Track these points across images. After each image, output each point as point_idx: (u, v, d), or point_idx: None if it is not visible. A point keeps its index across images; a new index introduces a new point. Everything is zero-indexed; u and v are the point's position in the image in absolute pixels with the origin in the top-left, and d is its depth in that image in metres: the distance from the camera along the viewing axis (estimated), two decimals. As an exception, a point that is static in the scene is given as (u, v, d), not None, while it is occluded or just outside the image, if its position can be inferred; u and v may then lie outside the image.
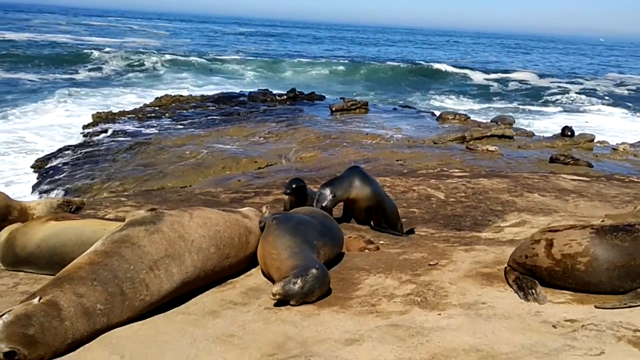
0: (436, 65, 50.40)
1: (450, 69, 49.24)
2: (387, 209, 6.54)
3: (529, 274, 3.91)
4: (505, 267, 4.15)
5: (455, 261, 4.58)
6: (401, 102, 31.25)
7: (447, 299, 3.81)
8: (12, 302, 3.84)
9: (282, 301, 3.76)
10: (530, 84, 44.11)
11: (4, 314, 3.01)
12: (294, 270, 3.82)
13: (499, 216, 7.92)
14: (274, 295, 3.71)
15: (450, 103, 34.95)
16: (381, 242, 5.69)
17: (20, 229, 4.51)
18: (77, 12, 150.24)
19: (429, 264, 4.50)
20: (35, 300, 3.14)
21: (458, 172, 11.51)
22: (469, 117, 20.75)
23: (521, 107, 34.38)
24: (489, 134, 16.78)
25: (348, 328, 3.47)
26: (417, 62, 54.57)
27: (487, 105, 34.90)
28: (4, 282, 4.26)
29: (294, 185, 6.11)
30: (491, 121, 20.42)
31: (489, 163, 13.45)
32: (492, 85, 42.84)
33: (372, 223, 6.47)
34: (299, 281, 3.75)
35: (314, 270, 3.81)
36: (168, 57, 45.44)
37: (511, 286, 3.92)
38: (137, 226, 3.74)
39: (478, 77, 46.54)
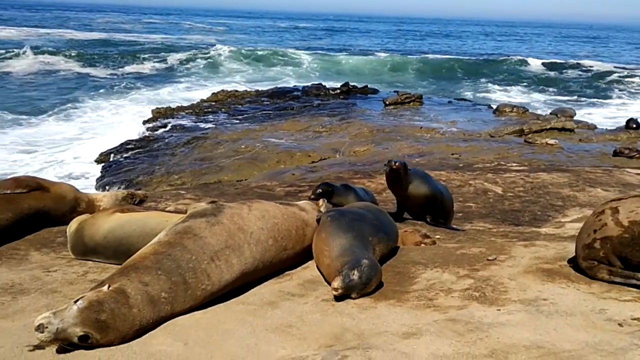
0: (493, 57, 49.24)
1: (508, 59, 47.98)
2: (444, 203, 6.47)
3: (602, 259, 3.82)
4: (581, 263, 4.00)
5: (515, 256, 4.49)
6: (456, 95, 30.75)
7: (507, 295, 3.75)
8: (82, 289, 4.03)
9: (343, 296, 3.79)
10: (592, 75, 42.41)
11: (77, 300, 3.17)
12: (346, 265, 3.85)
13: (560, 211, 7.70)
14: (335, 290, 3.75)
15: (508, 95, 34.08)
16: (437, 236, 5.64)
17: (88, 220, 4.72)
18: (138, 10, 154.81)
19: (488, 259, 4.43)
20: (105, 288, 3.29)
21: (516, 166, 11.24)
22: (528, 110, 20.22)
23: (583, 99, 33.16)
24: (548, 126, 16.31)
25: (405, 321, 3.47)
26: (474, 53, 53.45)
27: (546, 97, 33.86)
28: (74, 271, 4.48)
29: (318, 191, 6.10)
30: (551, 113, 19.84)
31: (549, 157, 13.08)
32: (552, 77, 41.46)
33: (427, 219, 6.42)
34: (355, 272, 3.78)
35: (365, 260, 3.83)
36: (225, 52, 46.20)
37: (612, 281, 3.81)
38: (199, 218, 3.86)
39: (538, 68, 45.16)
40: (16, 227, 5.06)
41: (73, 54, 41.26)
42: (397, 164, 6.08)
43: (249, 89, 25.51)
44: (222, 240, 3.78)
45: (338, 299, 3.79)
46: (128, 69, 37.38)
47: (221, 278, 3.72)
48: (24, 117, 22.54)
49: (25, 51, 39.62)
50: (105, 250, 4.53)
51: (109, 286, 3.31)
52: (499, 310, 3.54)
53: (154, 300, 3.41)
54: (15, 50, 40.61)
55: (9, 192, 5.12)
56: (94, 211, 5.33)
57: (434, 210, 6.38)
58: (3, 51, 39.95)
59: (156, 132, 17.65)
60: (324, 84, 25.33)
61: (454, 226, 6.53)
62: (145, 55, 43.05)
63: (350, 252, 3.94)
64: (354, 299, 3.79)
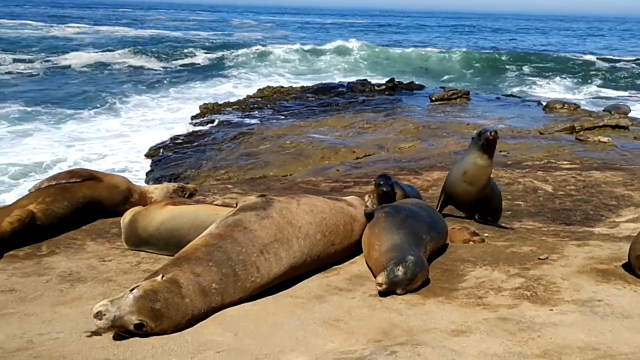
0: (543, 52, 47.93)
1: (560, 55, 46.60)
2: (494, 200, 6.36)
3: None
4: (636, 270, 3.86)
5: (567, 256, 4.38)
6: (504, 90, 30.12)
7: (559, 295, 3.67)
8: (136, 279, 4.16)
9: (387, 292, 3.78)
10: (648, 70, 40.75)
11: (133, 289, 3.27)
12: (392, 261, 3.84)
13: (614, 211, 7.46)
14: (380, 285, 3.75)
15: (557, 92, 33.15)
16: (485, 234, 5.56)
17: (141, 212, 4.85)
18: (187, 7, 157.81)
19: (539, 258, 4.34)
20: (159, 278, 3.38)
21: (567, 164, 10.94)
22: (579, 107, 19.61)
23: (638, 95, 31.94)
24: (601, 124, 15.78)
25: (454, 319, 3.44)
26: (524, 48, 52.21)
27: (599, 93, 32.76)
28: (128, 261, 4.62)
29: (390, 182, 5.83)
30: (604, 110, 19.20)
31: (601, 155, 12.66)
32: (605, 72, 40.06)
33: (476, 216, 6.33)
34: (400, 268, 3.77)
35: (410, 257, 3.82)
36: (271, 48, 46.57)
37: None
38: (249, 211, 3.92)
39: (591, 63, 43.67)
40: (72, 216, 5.24)
41: (126, 51, 42.44)
42: (493, 133, 5.87)
43: (294, 85, 25.63)
44: (272, 234, 3.83)
45: (382, 294, 3.79)
46: (178, 65, 38.08)
47: (270, 271, 3.77)
48: (78, 111, 23.30)
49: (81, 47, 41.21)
50: (158, 242, 4.65)
51: (163, 276, 3.40)
52: (552, 310, 3.47)
53: (205, 291, 3.49)
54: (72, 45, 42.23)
55: (63, 181, 5.31)
56: (146, 203, 5.48)
57: (484, 208, 6.28)
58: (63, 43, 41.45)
59: (204, 128, 17.95)
60: (369, 79, 25.22)
61: (503, 224, 6.41)
62: (195, 52, 43.77)
63: (398, 248, 3.93)
64: (399, 294, 3.78)
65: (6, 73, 32.66)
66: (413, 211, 4.40)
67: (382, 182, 5.34)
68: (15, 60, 36.20)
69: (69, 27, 64.13)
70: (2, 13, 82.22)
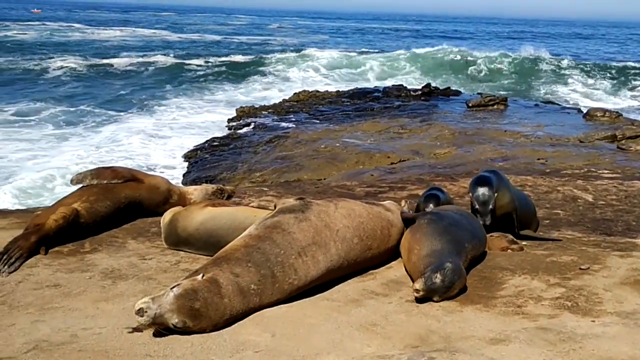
0: (584, 58, 46.89)
1: (597, 62, 45.51)
2: (520, 215, 5.91)
3: None
4: None
5: (610, 267, 4.29)
6: (542, 97, 29.58)
7: (602, 306, 3.59)
8: (175, 277, 4.23)
9: (425, 298, 3.77)
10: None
11: (174, 287, 3.33)
12: (430, 267, 3.82)
13: (657, 222, 7.24)
14: (417, 291, 3.73)
15: (598, 99, 32.38)
16: (524, 242, 5.46)
17: (181, 212, 4.94)
18: (229, 12, 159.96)
19: (580, 268, 4.25)
20: (199, 277, 3.44)
21: (608, 173, 10.68)
22: (621, 115, 19.13)
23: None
24: (644, 132, 15.36)
25: (493, 327, 3.40)
26: (562, 54, 51.14)
27: (641, 101, 31.89)
28: (167, 260, 4.70)
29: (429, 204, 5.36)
30: (647, 119, 18.68)
31: (644, 164, 12.32)
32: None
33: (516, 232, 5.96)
34: (438, 275, 3.74)
35: (448, 264, 3.79)
36: (308, 51, 46.79)
37: None
38: (287, 214, 3.95)
39: (631, 70, 42.52)
40: (114, 215, 5.36)
41: (165, 53, 43.36)
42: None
43: (330, 90, 25.70)
44: (309, 237, 3.85)
45: (419, 300, 3.77)
46: (215, 68, 38.54)
47: (307, 273, 3.79)
48: (119, 113, 23.89)
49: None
50: (197, 242, 4.72)
51: (203, 275, 3.46)
52: (594, 321, 3.40)
53: (243, 292, 3.53)
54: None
55: (105, 182, 5.44)
56: (185, 204, 5.56)
57: (509, 225, 5.56)
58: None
59: (240, 131, 18.16)
60: (404, 84, 25.11)
61: (542, 235, 6.23)
62: (233, 55, 44.36)
63: (438, 254, 3.91)
64: (436, 301, 3.76)
65: (50, 74, 33.68)
66: (455, 219, 4.37)
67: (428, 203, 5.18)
68: (58, 62, 37.30)
69: (110, 29, 65.83)
70: (52, 17, 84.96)
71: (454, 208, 4.96)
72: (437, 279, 3.74)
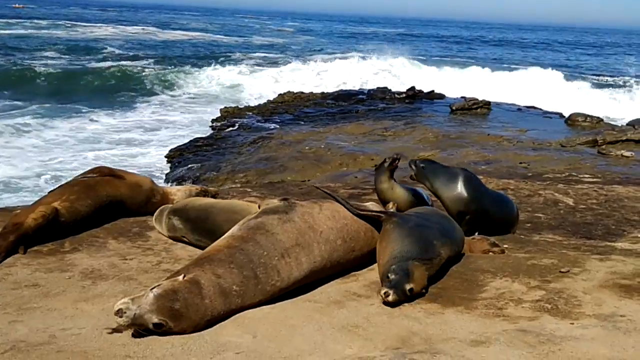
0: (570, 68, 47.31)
1: (585, 74, 45.96)
2: (491, 215, 5.72)
3: None
4: None
5: (589, 270, 4.34)
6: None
7: (581, 309, 3.63)
8: (156, 278, 4.19)
9: (397, 302, 3.74)
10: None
11: (153, 288, 3.31)
12: (388, 273, 3.84)
13: (636, 226, 7.34)
14: (382, 297, 3.73)
15: (580, 104, 32.73)
16: (505, 245, 5.51)
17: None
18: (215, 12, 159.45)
19: (560, 271, 4.30)
20: (180, 278, 3.41)
21: (588, 177, 10.82)
22: (602, 120, 19.41)
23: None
24: (624, 138, 15.59)
25: (473, 329, 3.43)
26: (552, 64, 51.67)
27: (623, 107, 32.28)
28: (149, 260, 4.67)
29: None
30: (627, 124, 18.96)
31: (624, 169, 12.51)
32: (627, 87, 39.48)
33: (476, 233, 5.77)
34: (392, 274, 3.80)
35: (401, 264, 3.83)
36: (290, 53, 46.76)
37: None
38: (271, 215, 3.94)
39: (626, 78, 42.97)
40: (95, 214, 5.29)
41: (149, 53, 43.00)
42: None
43: (314, 91, 25.70)
44: (293, 238, 3.85)
45: (390, 304, 3.74)
46: (197, 68, 38.28)
47: (290, 275, 3.79)
48: (96, 110, 23.71)
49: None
50: (195, 219, 4.86)
51: (184, 276, 3.43)
52: (573, 324, 3.44)
53: (225, 293, 3.51)
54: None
55: (80, 177, 5.43)
56: (168, 204, 5.53)
57: (470, 221, 5.35)
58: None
59: (224, 131, 18.08)
60: (389, 87, 25.19)
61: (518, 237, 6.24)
62: (218, 56, 44.11)
63: (398, 259, 3.89)
64: (409, 296, 3.73)
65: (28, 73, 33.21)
66: (422, 218, 4.38)
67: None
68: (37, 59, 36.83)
69: (94, 26, 65.29)
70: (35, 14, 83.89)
71: (426, 209, 4.99)
72: (393, 279, 3.76)
